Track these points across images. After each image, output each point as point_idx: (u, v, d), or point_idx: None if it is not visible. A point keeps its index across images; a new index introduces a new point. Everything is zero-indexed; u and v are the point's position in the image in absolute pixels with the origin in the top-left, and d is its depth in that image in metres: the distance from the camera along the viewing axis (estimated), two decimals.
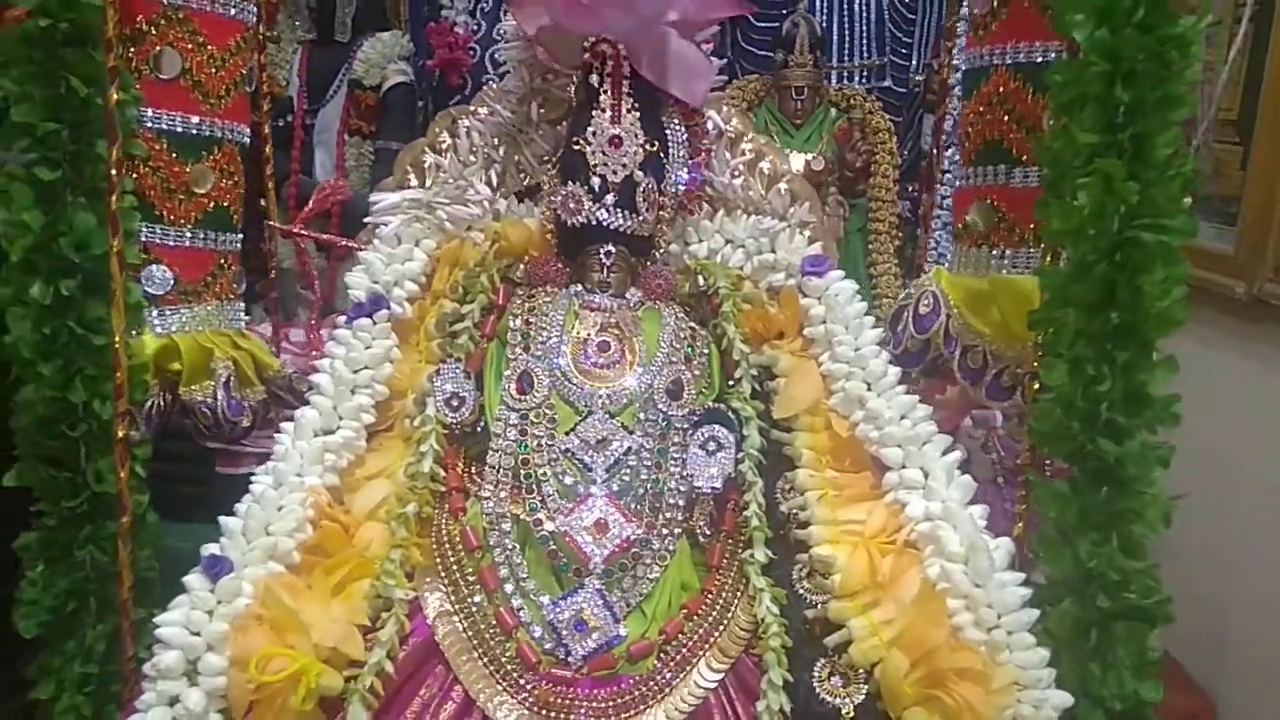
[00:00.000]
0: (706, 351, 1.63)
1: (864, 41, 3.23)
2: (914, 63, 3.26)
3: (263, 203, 1.89)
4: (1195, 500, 1.42)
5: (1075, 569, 1.36)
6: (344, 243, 1.88)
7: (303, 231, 1.87)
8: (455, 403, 1.57)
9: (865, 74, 3.25)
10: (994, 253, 1.62)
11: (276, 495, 1.48)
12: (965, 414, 1.98)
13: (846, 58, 3.23)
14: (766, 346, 1.64)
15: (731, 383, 1.61)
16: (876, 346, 1.61)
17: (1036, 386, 1.43)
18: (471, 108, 1.84)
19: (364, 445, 1.59)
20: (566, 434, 1.52)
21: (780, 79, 3.13)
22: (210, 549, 1.42)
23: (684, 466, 1.53)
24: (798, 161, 2.96)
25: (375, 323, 1.63)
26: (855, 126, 3.11)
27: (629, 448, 1.52)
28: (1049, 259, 1.41)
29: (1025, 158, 1.55)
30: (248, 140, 1.71)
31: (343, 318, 1.66)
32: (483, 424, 1.58)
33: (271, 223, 1.93)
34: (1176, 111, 1.27)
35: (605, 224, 1.57)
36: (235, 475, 1.91)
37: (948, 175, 2.56)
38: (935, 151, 2.16)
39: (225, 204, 1.66)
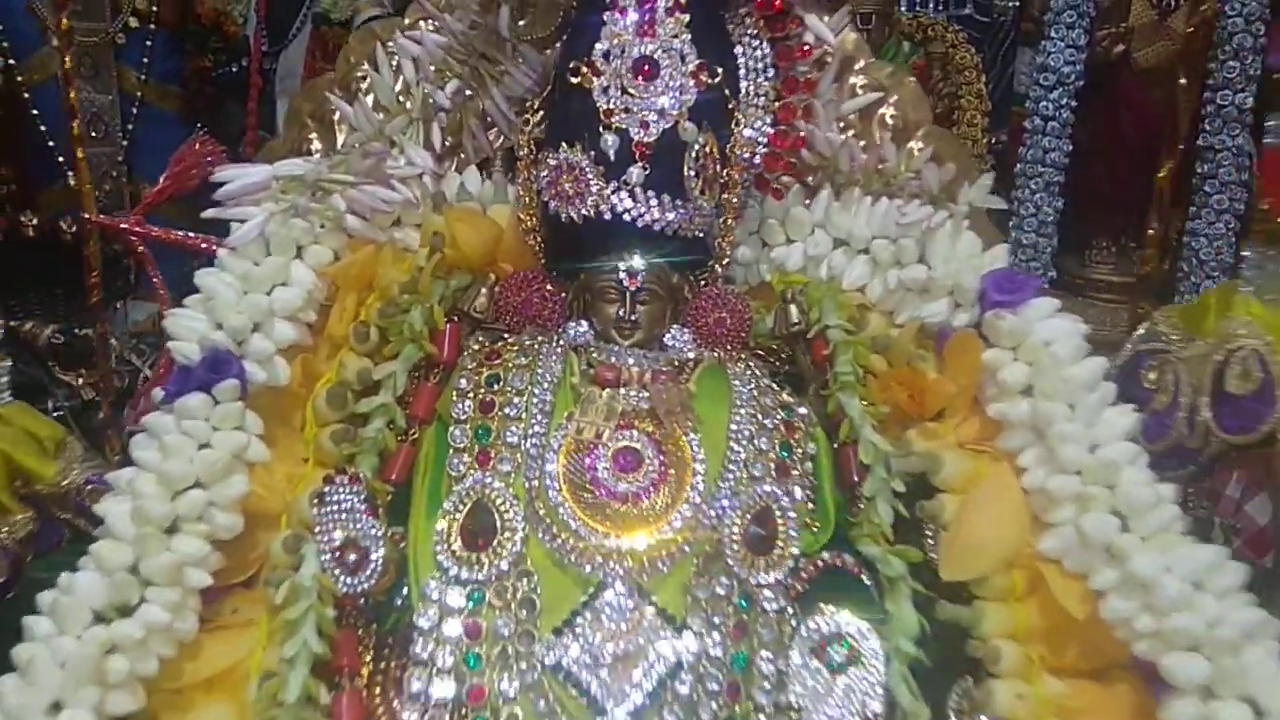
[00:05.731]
0: (813, 449, 0.92)
1: None
2: None
3: (71, 180, 1.15)
4: None
5: None
6: (201, 241, 1.15)
7: (137, 228, 1.13)
8: (352, 558, 0.86)
9: None
10: None
11: None
12: None
13: None
14: (917, 435, 0.98)
15: (858, 505, 0.94)
16: (1131, 444, 0.88)
17: None
18: (406, 19, 1.14)
19: (192, 627, 0.88)
20: (556, 633, 0.82)
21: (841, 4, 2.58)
22: None
23: (783, 691, 0.81)
24: None
25: (217, 400, 0.91)
26: (935, 64, 2.68)
27: (678, 660, 0.80)
28: None
29: None
30: None
31: (160, 391, 0.93)
32: (405, 593, 0.86)
33: (86, 214, 1.19)
34: None
35: (628, 218, 0.96)
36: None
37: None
38: None
39: None
